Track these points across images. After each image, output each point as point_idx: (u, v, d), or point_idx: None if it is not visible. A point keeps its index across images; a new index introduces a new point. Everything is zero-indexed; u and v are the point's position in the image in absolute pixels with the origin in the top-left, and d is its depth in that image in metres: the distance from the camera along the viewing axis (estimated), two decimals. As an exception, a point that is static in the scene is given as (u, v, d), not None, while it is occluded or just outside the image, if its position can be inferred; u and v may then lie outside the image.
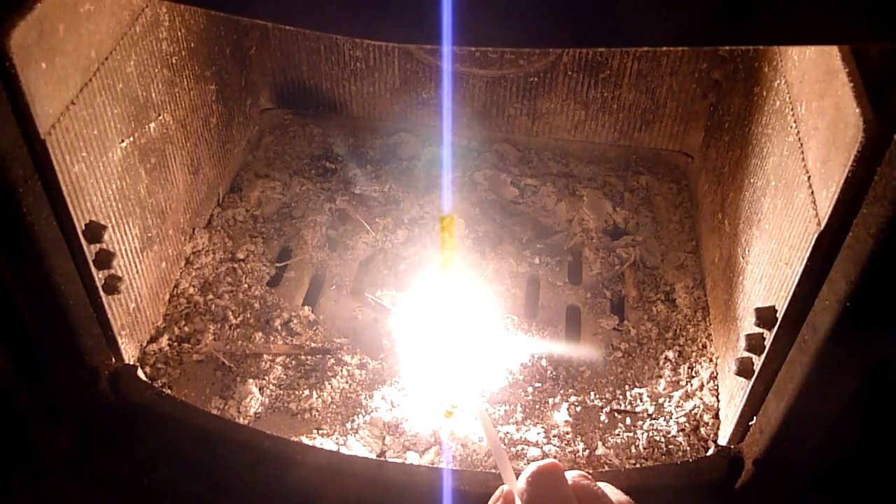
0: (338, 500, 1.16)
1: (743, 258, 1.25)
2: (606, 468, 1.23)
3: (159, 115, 1.32)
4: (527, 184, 1.74)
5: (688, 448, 1.27)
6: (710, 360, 1.38)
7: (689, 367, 1.38)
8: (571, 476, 0.67)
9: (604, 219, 1.67)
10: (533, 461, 0.67)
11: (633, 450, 1.27)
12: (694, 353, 1.41)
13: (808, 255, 0.94)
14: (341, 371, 1.36)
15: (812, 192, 0.96)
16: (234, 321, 1.44)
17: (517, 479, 0.67)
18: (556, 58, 1.66)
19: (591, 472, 1.20)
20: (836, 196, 0.88)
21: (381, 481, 1.13)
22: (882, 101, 0.84)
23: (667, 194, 1.73)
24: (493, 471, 1.20)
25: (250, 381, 1.33)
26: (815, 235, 0.93)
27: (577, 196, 1.71)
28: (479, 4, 0.68)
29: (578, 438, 1.28)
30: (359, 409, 1.31)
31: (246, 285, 1.51)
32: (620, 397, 1.35)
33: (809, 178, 0.98)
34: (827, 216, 0.90)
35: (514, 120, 1.78)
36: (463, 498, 1.09)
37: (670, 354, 1.41)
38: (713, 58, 1.58)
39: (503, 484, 0.70)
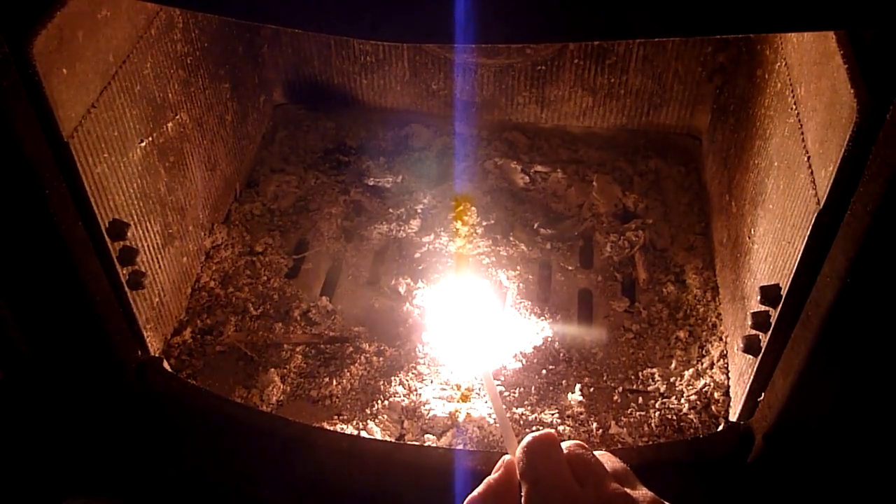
0: (359, 482, 1.20)
1: (749, 238, 1.27)
2: (620, 446, 1.26)
3: (176, 115, 1.36)
4: (537, 171, 1.76)
5: (699, 425, 1.30)
6: (720, 339, 1.40)
7: (699, 347, 1.41)
8: (567, 445, 0.69)
9: (614, 203, 1.69)
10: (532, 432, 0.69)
11: (646, 428, 1.30)
12: (704, 333, 1.43)
13: (808, 233, 0.96)
14: (360, 358, 1.40)
15: (811, 172, 0.98)
16: (254, 312, 1.48)
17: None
18: (563, 46, 1.67)
19: (605, 450, 1.24)
20: (833, 175, 0.90)
21: (399, 463, 1.17)
22: (876, 81, 0.86)
23: (676, 177, 1.75)
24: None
25: (272, 370, 1.37)
26: (815, 214, 0.95)
27: (587, 181, 1.73)
28: (480, 2, 0.70)
29: (592, 418, 1.31)
30: (377, 395, 1.34)
31: (265, 277, 1.55)
32: (633, 377, 1.38)
33: (809, 158, 1.00)
34: (826, 195, 0.92)
35: (523, 108, 1.81)
36: (477, 477, 1.12)
37: (681, 334, 1.43)
38: (718, 42, 1.60)
39: (505, 454, 0.73)
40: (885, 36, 0.88)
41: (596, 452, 0.69)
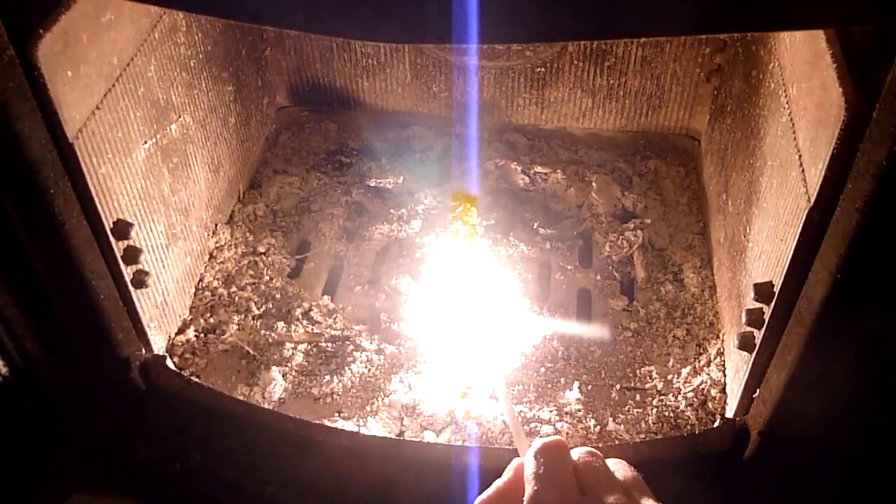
0: (360, 478, 1.21)
1: (745, 237, 1.28)
2: (617, 443, 1.27)
3: (180, 117, 1.38)
4: (537, 171, 1.78)
5: (696, 422, 1.31)
6: (717, 337, 1.42)
7: (696, 345, 1.42)
8: (579, 453, 0.69)
9: (613, 203, 1.71)
10: (542, 437, 0.70)
11: (643, 425, 1.31)
12: (701, 331, 1.44)
13: (800, 230, 0.98)
14: (360, 357, 1.41)
15: (803, 170, 1.00)
16: (256, 312, 1.50)
17: None
18: (562, 48, 1.69)
19: (601, 446, 1.25)
20: (823, 173, 0.91)
21: (399, 459, 1.18)
22: (864, 80, 0.88)
23: (674, 177, 1.77)
24: (507, 447, 1.24)
25: (273, 368, 1.39)
26: (806, 211, 0.96)
27: (587, 182, 1.75)
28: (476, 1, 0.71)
29: (590, 415, 1.32)
30: (377, 393, 1.36)
31: (267, 277, 1.57)
32: (630, 375, 1.39)
33: (800, 156, 1.01)
34: (816, 192, 0.94)
35: (523, 110, 1.82)
36: (478, 473, 1.14)
37: (678, 333, 1.45)
38: (715, 43, 1.61)
39: (516, 457, 0.74)
40: (872, 34, 0.89)
41: (610, 461, 0.69)
